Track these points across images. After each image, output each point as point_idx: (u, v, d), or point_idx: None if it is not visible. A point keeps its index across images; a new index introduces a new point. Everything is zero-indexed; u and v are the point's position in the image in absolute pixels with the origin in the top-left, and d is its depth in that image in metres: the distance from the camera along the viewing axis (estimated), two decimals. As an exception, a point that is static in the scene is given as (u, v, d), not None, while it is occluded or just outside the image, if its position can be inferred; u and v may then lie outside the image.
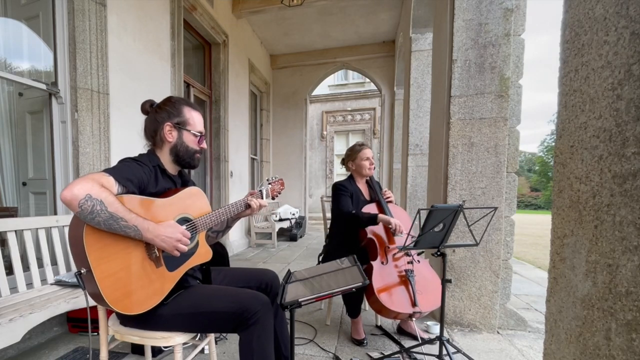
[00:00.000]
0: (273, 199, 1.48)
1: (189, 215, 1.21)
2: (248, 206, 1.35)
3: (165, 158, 1.25)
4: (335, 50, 6.39)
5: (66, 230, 2.00)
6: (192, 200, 1.23)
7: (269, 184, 1.46)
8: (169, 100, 1.26)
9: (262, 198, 1.40)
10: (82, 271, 0.96)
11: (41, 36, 2.27)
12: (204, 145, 1.30)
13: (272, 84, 6.82)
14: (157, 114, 1.23)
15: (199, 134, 1.27)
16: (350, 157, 2.19)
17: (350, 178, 2.22)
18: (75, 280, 1.78)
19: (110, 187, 1.01)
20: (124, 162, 1.14)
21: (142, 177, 1.12)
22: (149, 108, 1.26)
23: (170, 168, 1.27)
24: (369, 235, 1.94)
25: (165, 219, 1.11)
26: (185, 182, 1.34)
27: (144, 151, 1.28)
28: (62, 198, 0.92)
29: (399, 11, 4.98)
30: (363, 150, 2.13)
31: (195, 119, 1.26)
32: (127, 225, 0.98)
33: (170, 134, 1.22)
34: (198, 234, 1.23)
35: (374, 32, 5.75)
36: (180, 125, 1.23)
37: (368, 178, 2.19)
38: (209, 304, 1.14)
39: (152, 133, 1.24)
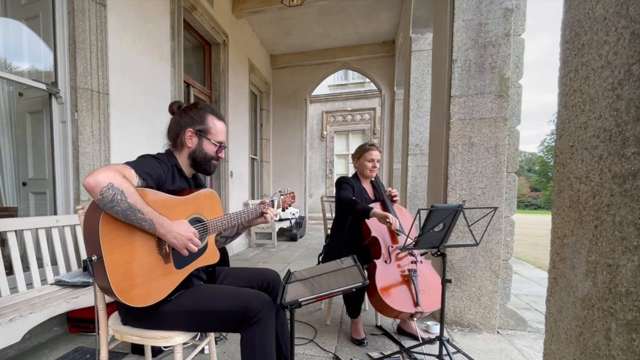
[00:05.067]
0: (283, 210, 1.52)
1: (201, 216, 1.23)
2: (261, 215, 1.38)
3: (182, 161, 1.27)
4: (335, 50, 6.39)
5: (66, 230, 2.00)
6: (206, 202, 1.26)
7: (281, 195, 1.50)
8: (195, 106, 1.28)
9: (274, 207, 1.43)
10: (93, 258, 0.98)
11: (41, 36, 2.27)
12: (222, 154, 1.32)
13: (272, 84, 6.82)
14: (181, 118, 1.25)
15: (219, 144, 1.28)
16: (357, 154, 2.19)
17: (355, 176, 2.22)
18: (75, 280, 1.79)
19: (132, 178, 1.03)
20: (144, 157, 1.17)
21: (161, 173, 1.15)
22: (175, 109, 1.29)
23: (187, 170, 1.29)
24: (373, 234, 1.94)
25: (179, 216, 1.14)
26: (198, 186, 1.36)
27: (158, 151, 1.31)
28: (86, 184, 0.94)
29: (399, 11, 4.98)
30: (370, 151, 2.12)
31: (217, 128, 1.28)
32: (144, 218, 1.00)
33: (190, 140, 1.24)
34: (208, 236, 1.25)
35: (374, 32, 5.74)
36: (202, 133, 1.25)
37: (372, 179, 2.20)
38: (211, 302, 1.15)
39: (174, 135, 1.26)
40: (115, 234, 1.00)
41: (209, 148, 1.27)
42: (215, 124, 1.27)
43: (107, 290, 1.03)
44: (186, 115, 1.26)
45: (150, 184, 1.11)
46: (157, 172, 1.13)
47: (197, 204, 1.22)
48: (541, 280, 3.66)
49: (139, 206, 0.98)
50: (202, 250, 1.22)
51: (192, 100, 3.96)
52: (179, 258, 1.14)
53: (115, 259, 0.99)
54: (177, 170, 1.25)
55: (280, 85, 6.84)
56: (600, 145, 0.58)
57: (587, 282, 0.61)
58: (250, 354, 1.10)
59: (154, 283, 1.08)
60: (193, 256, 1.18)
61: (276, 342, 1.26)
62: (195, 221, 1.20)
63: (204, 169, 1.30)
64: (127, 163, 1.07)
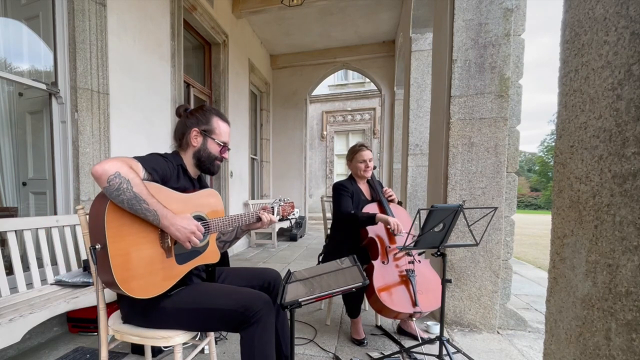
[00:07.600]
0: (282, 218, 1.53)
1: (203, 214, 1.26)
2: (259, 219, 1.40)
3: (188, 160, 1.32)
4: (335, 50, 6.38)
5: (66, 230, 2.00)
6: (208, 201, 1.30)
7: (282, 203, 1.52)
8: (201, 108, 1.34)
9: (274, 214, 1.45)
10: (97, 247, 1.01)
11: (41, 36, 2.27)
12: (226, 155, 1.37)
13: (272, 84, 6.82)
14: (187, 119, 1.31)
15: (223, 144, 1.33)
16: (349, 156, 2.19)
17: (351, 178, 2.22)
18: (75, 280, 1.78)
19: (138, 170, 1.07)
20: (152, 154, 1.22)
21: (166, 170, 1.19)
22: (182, 112, 1.35)
23: (192, 171, 1.33)
24: (370, 235, 1.94)
25: (182, 212, 1.16)
26: (202, 187, 1.38)
27: (158, 150, 1.33)
28: (93, 172, 0.99)
29: (399, 11, 4.98)
30: (360, 152, 2.11)
31: (222, 128, 1.33)
32: (148, 209, 1.03)
33: (195, 139, 1.29)
34: (209, 235, 1.27)
35: (374, 32, 5.74)
36: (207, 133, 1.30)
37: (368, 179, 2.19)
38: (211, 300, 1.15)
39: (180, 135, 1.32)
40: (119, 222, 1.03)
41: (213, 148, 1.31)
42: (219, 125, 1.33)
43: (108, 279, 1.04)
44: (192, 116, 1.31)
45: (156, 179, 1.14)
46: (162, 169, 1.17)
47: (199, 202, 1.26)
48: (541, 280, 3.66)
49: (144, 196, 1.01)
50: (203, 249, 1.24)
51: (192, 101, 3.97)
52: (181, 254, 1.17)
53: (118, 247, 1.01)
54: (182, 170, 1.29)
55: (280, 85, 6.84)
56: (600, 145, 0.58)
57: (587, 282, 0.61)
58: (250, 353, 1.11)
59: (155, 276, 1.10)
60: (194, 253, 1.21)
61: (276, 341, 1.26)
62: (197, 219, 1.21)
63: (208, 169, 1.34)
64: (135, 157, 1.12)
